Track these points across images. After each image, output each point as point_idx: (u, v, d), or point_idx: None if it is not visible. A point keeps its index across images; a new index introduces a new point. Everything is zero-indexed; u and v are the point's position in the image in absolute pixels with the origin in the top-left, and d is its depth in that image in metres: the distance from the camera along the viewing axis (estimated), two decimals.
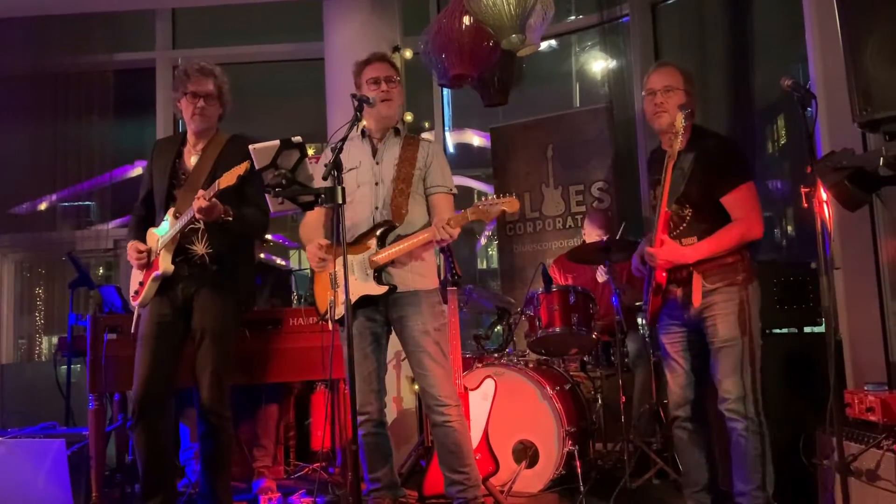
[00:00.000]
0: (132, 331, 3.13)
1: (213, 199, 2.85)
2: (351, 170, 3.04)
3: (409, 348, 2.98)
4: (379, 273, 2.92)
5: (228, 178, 2.81)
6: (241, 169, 2.76)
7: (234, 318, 3.13)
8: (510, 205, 2.82)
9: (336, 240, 2.65)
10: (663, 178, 2.72)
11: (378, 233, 2.95)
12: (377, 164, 3.06)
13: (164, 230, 3.04)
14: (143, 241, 3.10)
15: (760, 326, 2.79)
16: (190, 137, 3.18)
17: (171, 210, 3.04)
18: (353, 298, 2.86)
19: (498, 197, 2.85)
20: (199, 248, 3.04)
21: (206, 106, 3.09)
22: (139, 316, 3.10)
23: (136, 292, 3.10)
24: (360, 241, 2.97)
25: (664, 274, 2.80)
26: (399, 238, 2.95)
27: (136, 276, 3.13)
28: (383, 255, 2.92)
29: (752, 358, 2.71)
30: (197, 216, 2.87)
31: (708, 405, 2.87)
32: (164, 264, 3.00)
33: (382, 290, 2.91)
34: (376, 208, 3.00)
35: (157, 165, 3.20)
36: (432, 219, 3.00)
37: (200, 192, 2.88)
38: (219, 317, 3.03)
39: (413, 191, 3.01)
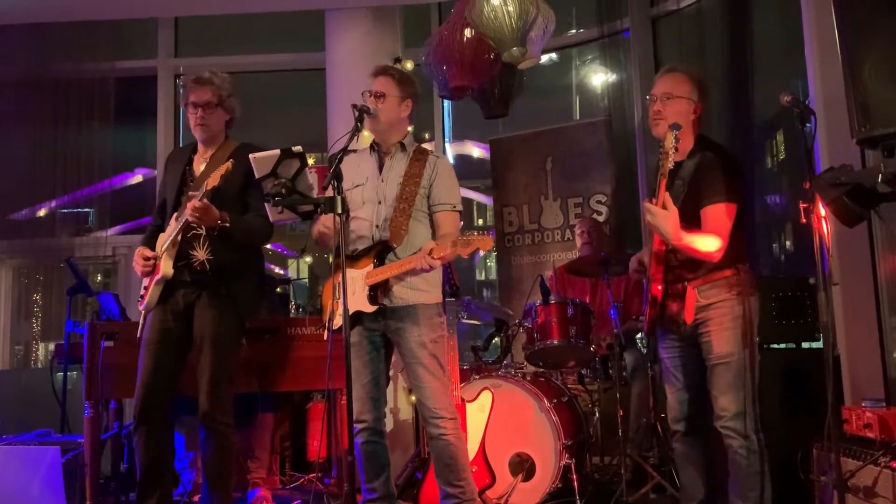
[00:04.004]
0: (137, 335, 3.13)
1: (206, 202, 2.86)
2: (358, 186, 3.05)
3: (406, 360, 2.98)
4: (374, 290, 2.92)
5: (213, 179, 2.84)
6: (223, 169, 2.80)
7: (234, 326, 3.12)
8: (484, 243, 2.75)
9: (336, 251, 2.65)
10: (656, 193, 2.65)
11: (375, 253, 2.94)
12: (382, 181, 3.04)
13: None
14: (153, 248, 3.13)
15: (759, 342, 2.75)
16: (199, 146, 3.23)
17: (175, 214, 3.07)
18: (350, 311, 2.85)
19: (475, 234, 2.79)
20: (201, 253, 3.05)
21: (205, 115, 3.12)
22: (145, 320, 3.12)
23: (142, 296, 3.12)
24: (361, 258, 2.97)
25: (660, 287, 2.78)
26: (397, 258, 2.93)
27: (143, 279, 3.15)
28: (374, 278, 2.91)
29: (750, 375, 2.67)
30: (190, 218, 2.89)
31: (707, 420, 2.84)
32: (165, 268, 3.02)
33: (372, 309, 2.91)
34: (376, 227, 2.98)
35: (169, 174, 3.24)
36: (436, 237, 2.99)
37: (191, 193, 2.92)
38: (216, 324, 3.04)
39: (416, 209, 2.98)
